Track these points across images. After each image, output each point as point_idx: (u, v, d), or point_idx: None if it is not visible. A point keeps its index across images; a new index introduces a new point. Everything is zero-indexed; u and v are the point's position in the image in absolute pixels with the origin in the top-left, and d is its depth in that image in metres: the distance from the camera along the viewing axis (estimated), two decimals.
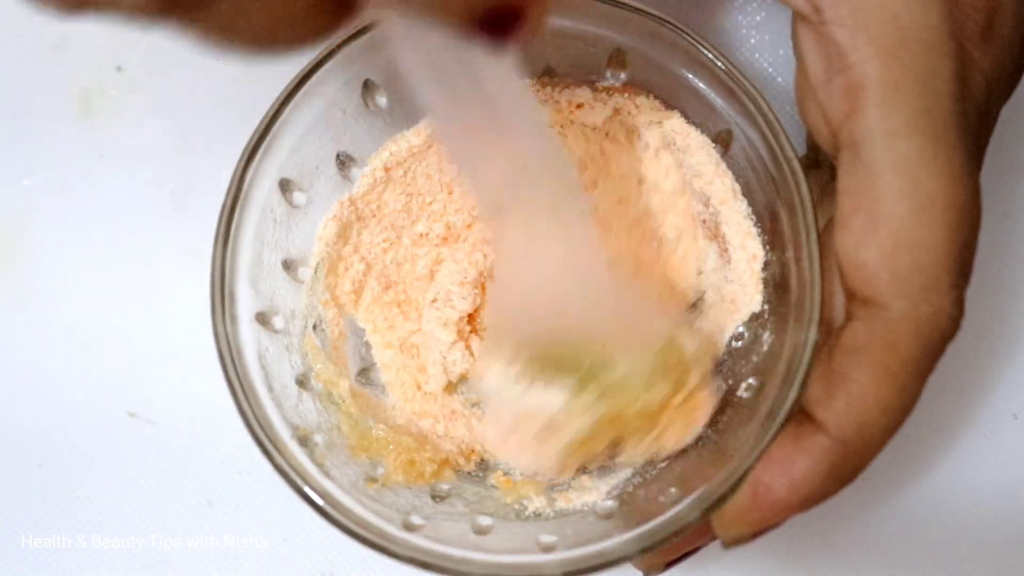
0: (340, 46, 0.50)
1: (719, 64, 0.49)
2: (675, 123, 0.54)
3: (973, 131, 0.44)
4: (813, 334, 0.45)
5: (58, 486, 0.65)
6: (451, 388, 0.58)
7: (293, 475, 0.47)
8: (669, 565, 0.53)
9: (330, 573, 0.63)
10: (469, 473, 0.55)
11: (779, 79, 0.64)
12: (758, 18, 0.65)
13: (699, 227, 0.55)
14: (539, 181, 0.43)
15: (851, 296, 0.44)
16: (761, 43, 0.65)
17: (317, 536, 0.63)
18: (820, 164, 0.56)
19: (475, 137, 0.41)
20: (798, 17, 0.47)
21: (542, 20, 0.32)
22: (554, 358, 0.50)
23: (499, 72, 0.38)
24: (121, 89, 0.67)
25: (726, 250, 0.53)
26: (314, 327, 0.54)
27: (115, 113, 0.67)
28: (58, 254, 0.66)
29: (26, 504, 0.65)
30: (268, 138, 0.50)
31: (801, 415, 0.45)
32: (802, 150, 0.58)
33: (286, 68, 0.49)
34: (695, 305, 0.56)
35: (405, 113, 0.55)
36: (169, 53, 0.66)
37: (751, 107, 0.49)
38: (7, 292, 0.66)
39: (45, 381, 0.65)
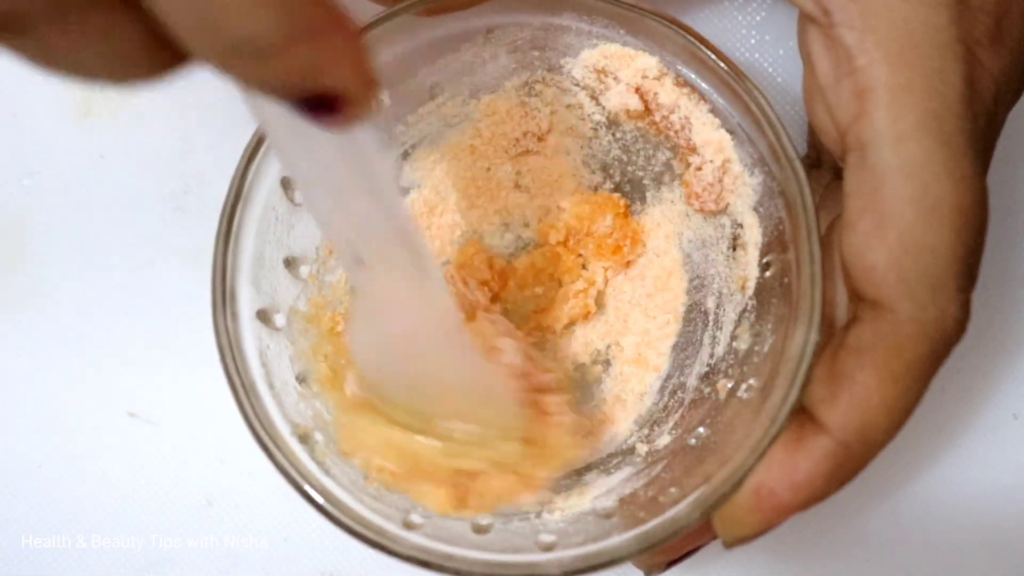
0: None
1: (721, 64, 0.49)
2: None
3: (981, 134, 0.44)
4: (814, 335, 0.45)
5: (58, 486, 0.65)
6: None
7: (293, 473, 0.47)
8: (670, 565, 0.53)
9: (330, 573, 0.63)
10: None
11: (779, 79, 0.64)
12: (758, 18, 0.65)
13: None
14: (391, 243, 0.42)
15: (857, 298, 0.44)
16: (761, 43, 0.65)
17: (317, 536, 0.63)
18: (821, 164, 0.56)
19: (328, 188, 0.40)
20: (806, 19, 0.47)
21: (369, 103, 0.31)
22: (407, 407, 0.49)
23: (348, 140, 0.36)
24: (121, 89, 0.67)
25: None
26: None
27: (115, 113, 0.67)
28: (58, 254, 0.66)
29: (26, 504, 0.65)
30: None
31: (803, 416, 0.45)
32: (803, 149, 0.58)
33: None
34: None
35: (406, 111, 0.55)
36: None
37: (753, 108, 0.49)
38: (7, 292, 0.66)
39: (45, 381, 0.65)
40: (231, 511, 0.64)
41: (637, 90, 0.53)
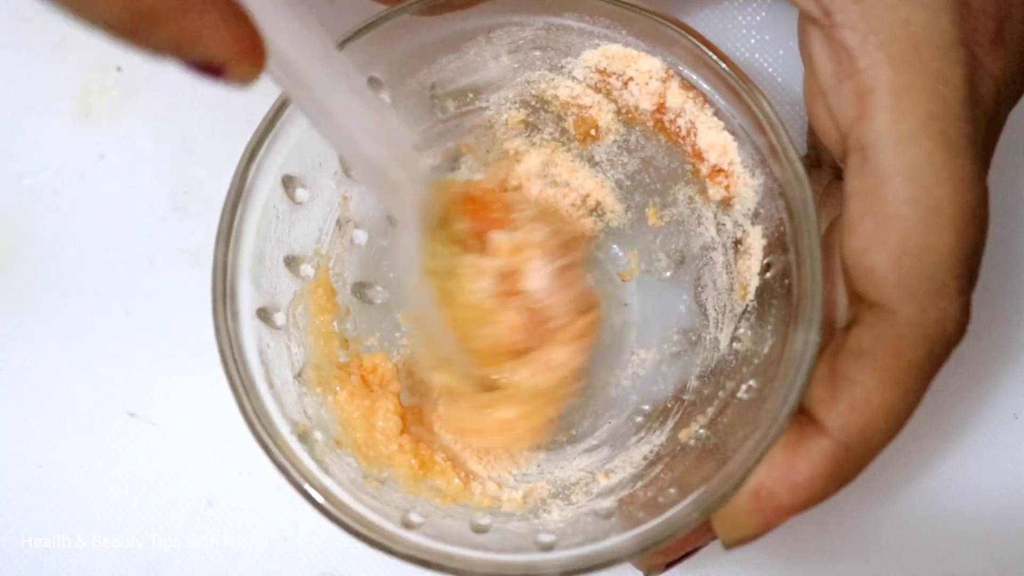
0: (342, 44, 0.50)
1: (722, 65, 0.49)
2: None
3: (982, 136, 0.44)
4: (814, 336, 0.45)
5: (58, 486, 0.65)
6: None
7: (292, 472, 0.47)
8: (669, 565, 0.53)
9: (330, 573, 0.63)
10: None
11: (779, 79, 0.64)
12: (758, 18, 0.65)
13: None
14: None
15: (857, 299, 0.44)
16: (761, 43, 0.65)
17: (317, 536, 0.63)
18: (822, 164, 0.56)
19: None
20: (807, 20, 0.47)
21: (248, 68, 0.35)
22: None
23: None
24: (121, 89, 0.67)
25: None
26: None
27: (115, 113, 0.67)
28: (58, 254, 0.66)
29: (26, 504, 0.65)
30: (271, 134, 0.50)
31: (803, 417, 0.45)
32: (803, 150, 0.58)
33: None
34: None
35: (406, 111, 0.56)
36: None
37: (754, 108, 0.49)
38: (7, 292, 0.66)
39: (45, 381, 0.66)
40: (231, 511, 0.64)
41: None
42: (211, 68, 0.35)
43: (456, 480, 0.54)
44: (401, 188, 0.47)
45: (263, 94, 0.49)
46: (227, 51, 0.34)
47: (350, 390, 0.54)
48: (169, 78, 0.66)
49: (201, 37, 0.33)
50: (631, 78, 0.53)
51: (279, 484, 0.47)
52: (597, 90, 0.55)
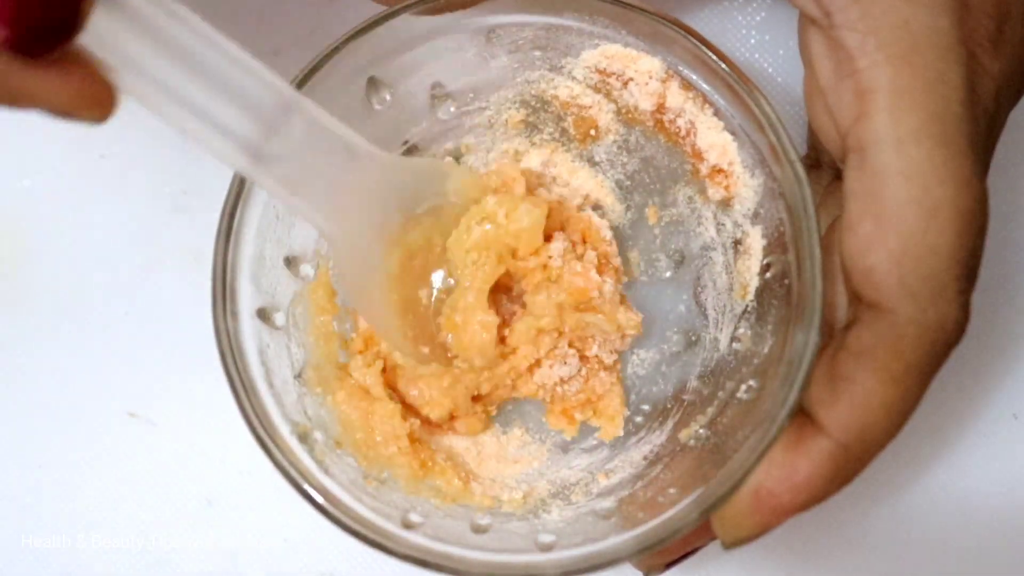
0: (344, 43, 0.50)
1: (722, 65, 0.49)
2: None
3: (982, 136, 0.44)
4: (814, 336, 0.45)
5: (58, 486, 0.65)
6: None
7: (292, 472, 0.47)
8: (669, 565, 0.53)
9: (330, 573, 0.63)
10: None
11: (779, 79, 0.64)
12: (758, 18, 0.65)
13: None
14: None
15: (857, 299, 0.44)
16: (761, 43, 0.65)
17: (317, 536, 0.63)
18: (821, 164, 0.56)
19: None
20: (806, 20, 0.47)
21: (97, 119, 0.38)
22: None
23: None
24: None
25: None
26: None
27: (115, 113, 0.67)
28: (58, 254, 0.66)
29: (26, 504, 0.65)
30: None
31: (802, 417, 0.45)
32: (803, 150, 0.58)
33: (288, 66, 0.49)
34: None
35: (407, 111, 0.56)
36: None
37: (754, 108, 0.49)
38: (7, 292, 0.66)
39: (45, 381, 0.65)
40: (231, 511, 0.64)
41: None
42: (59, 114, 0.37)
43: (456, 480, 0.54)
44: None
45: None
46: (63, 105, 0.36)
47: (349, 390, 0.54)
48: None
49: (32, 98, 0.35)
50: (631, 78, 0.53)
51: (279, 484, 0.47)
52: (597, 90, 0.55)
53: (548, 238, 0.56)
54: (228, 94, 0.41)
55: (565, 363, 0.57)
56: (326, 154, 0.46)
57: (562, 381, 0.57)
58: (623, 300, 0.58)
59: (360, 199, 0.48)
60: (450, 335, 0.54)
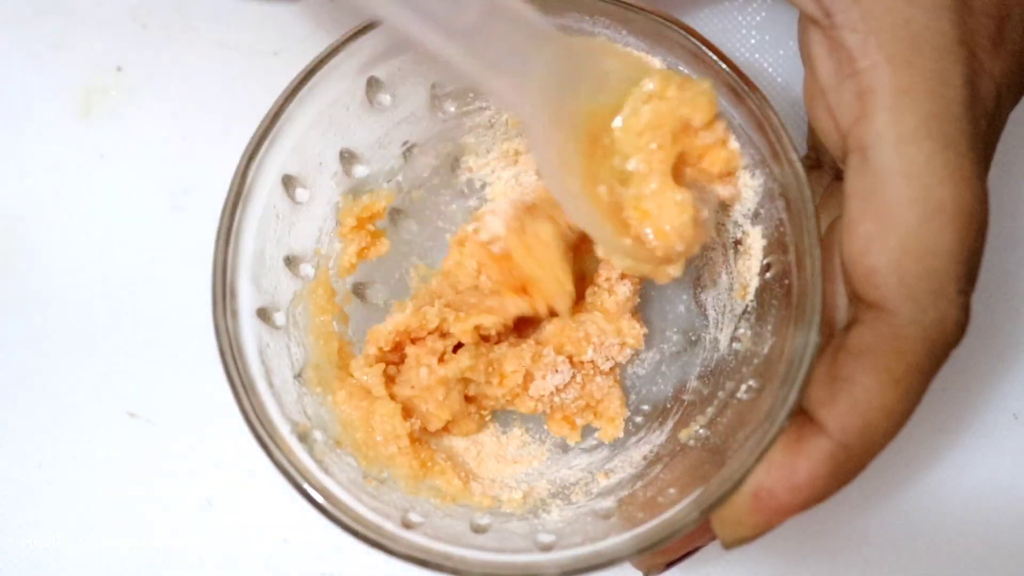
0: (344, 43, 0.50)
1: (723, 65, 0.49)
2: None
3: (982, 137, 0.44)
4: (814, 336, 0.45)
5: (58, 486, 0.65)
6: None
7: (292, 471, 0.47)
8: (669, 565, 0.53)
9: (330, 573, 0.63)
10: None
11: (779, 79, 0.64)
12: (758, 18, 0.65)
13: None
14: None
15: (857, 299, 0.44)
16: (761, 43, 0.65)
17: (317, 536, 0.63)
18: (822, 165, 0.56)
19: None
20: (807, 20, 0.47)
21: None
22: None
23: None
24: (121, 89, 0.67)
25: None
26: None
27: (115, 113, 0.67)
28: (58, 254, 0.66)
29: (26, 504, 0.65)
30: (271, 134, 0.50)
31: (802, 417, 0.45)
32: (803, 150, 0.58)
33: (288, 66, 0.49)
34: None
35: (407, 111, 0.56)
36: (169, 53, 0.67)
37: (755, 109, 0.49)
38: (7, 292, 0.66)
39: (45, 381, 0.65)
40: (231, 511, 0.64)
41: None
42: None
43: (456, 480, 0.54)
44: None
45: (264, 93, 0.50)
46: None
47: (350, 390, 0.54)
48: (169, 78, 0.67)
49: None
50: None
51: (279, 484, 0.47)
52: None
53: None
54: None
55: (557, 371, 0.57)
56: (512, 30, 0.43)
57: (558, 390, 0.57)
58: (635, 312, 0.58)
59: (545, 77, 0.45)
60: (648, 228, 0.49)
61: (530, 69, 0.44)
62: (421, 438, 0.56)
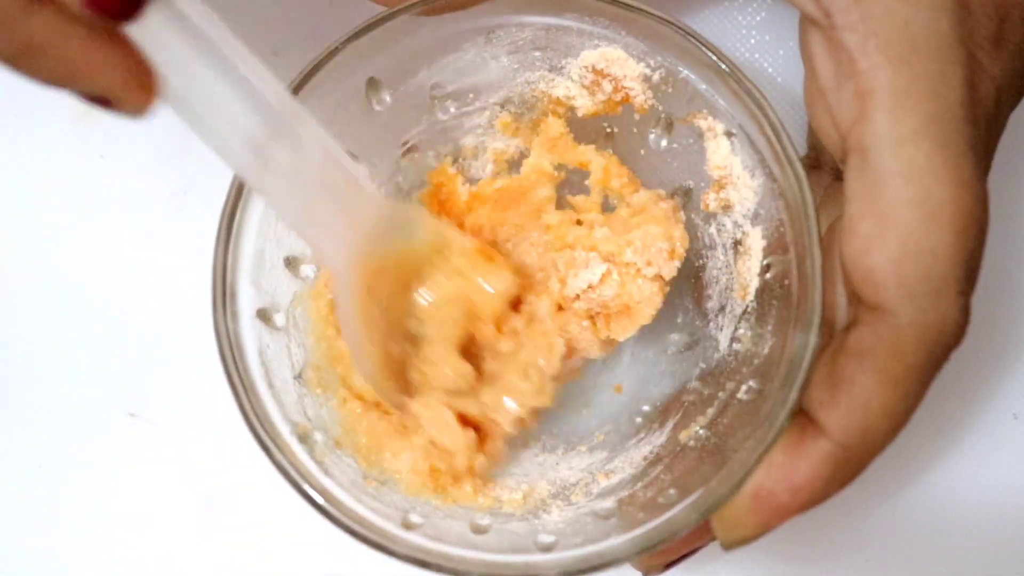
0: (344, 43, 0.50)
1: (722, 66, 0.49)
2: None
3: (982, 138, 0.44)
4: (814, 337, 0.45)
5: (58, 486, 0.65)
6: None
7: (292, 472, 0.47)
8: (669, 566, 0.53)
9: (330, 573, 0.63)
10: None
11: (779, 79, 0.64)
12: (758, 18, 0.65)
13: None
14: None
15: (857, 300, 0.44)
16: (761, 43, 0.65)
17: (317, 536, 0.62)
18: (822, 165, 0.56)
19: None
20: (806, 21, 0.47)
21: (135, 102, 0.38)
22: None
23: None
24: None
25: None
26: None
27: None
28: (58, 254, 0.66)
29: (26, 504, 0.65)
30: None
31: (802, 418, 0.45)
32: (803, 150, 0.58)
33: (288, 66, 0.49)
34: None
35: (407, 111, 0.56)
36: None
37: (754, 108, 0.48)
38: (7, 292, 0.66)
39: (45, 381, 0.66)
40: (231, 511, 0.64)
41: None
42: (99, 100, 0.37)
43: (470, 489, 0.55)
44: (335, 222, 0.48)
45: None
46: (111, 86, 0.36)
47: (362, 403, 0.54)
48: None
49: (83, 71, 0.35)
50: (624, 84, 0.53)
51: (279, 484, 0.47)
52: (592, 91, 0.55)
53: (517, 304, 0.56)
54: (246, 96, 0.41)
55: (588, 267, 0.56)
56: (325, 173, 0.46)
57: (592, 287, 0.56)
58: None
59: (351, 226, 0.48)
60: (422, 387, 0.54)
61: (347, 223, 0.48)
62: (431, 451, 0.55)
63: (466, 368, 0.53)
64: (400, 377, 0.53)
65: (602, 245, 0.55)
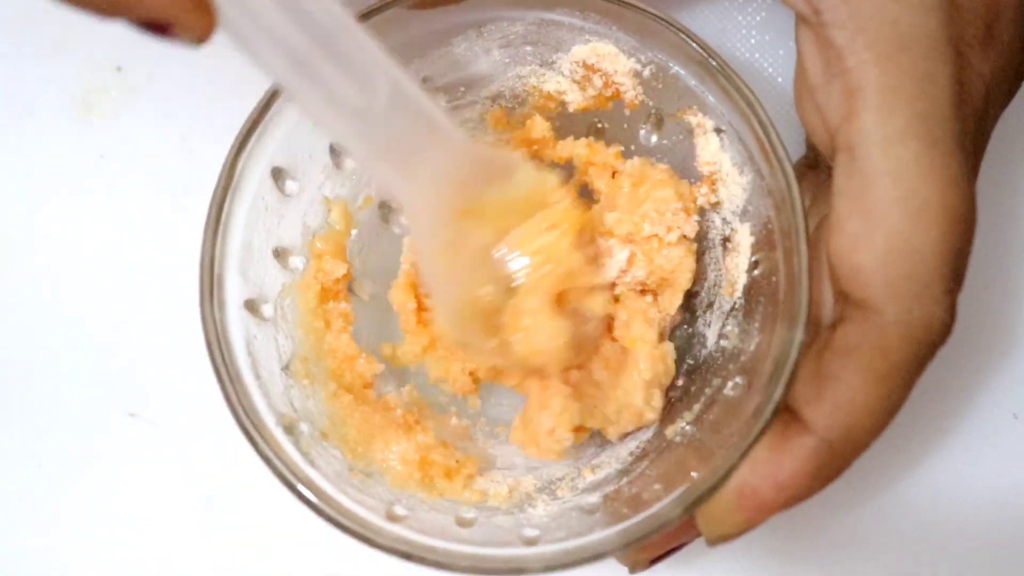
0: None
1: (712, 62, 0.49)
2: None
3: (971, 137, 0.44)
4: (800, 334, 0.45)
5: (58, 486, 0.65)
6: None
7: (277, 463, 0.47)
8: (654, 561, 0.53)
9: (330, 573, 0.63)
10: None
11: (779, 79, 0.64)
12: (758, 18, 0.65)
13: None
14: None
15: (843, 298, 0.44)
16: (761, 43, 0.65)
17: (317, 536, 0.63)
18: (819, 165, 0.56)
19: None
20: (799, 19, 0.47)
21: (193, 25, 0.36)
22: None
23: None
24: (121, 89, 0.67)
25: None
26: None
27: (115, 113, 0.67)
28: (58, 254, 0.67)
29: (26, 504, 0.65)
30: (261, 126, 0.50)
31: (787, 415, 0.45)
32: (802, 150, 0.58)
33: None
34: None
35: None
36: (169, 53, 0.67)
37: (743, 105, 0.48)
38: (7, 291, 0.67)
39: (45, 381, 0.66)
40: (231, 511, 0.64)
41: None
42: (158, 26, 0.35)
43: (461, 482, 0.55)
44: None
45: (262, 92, 0.50)
46: (170, 8, 0.35)
47: (352, 396, 0.54)
48: (169, 78, 0.67)
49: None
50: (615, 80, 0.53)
51: (279, 484, 0.47)
52: (583, 86, 0.55)
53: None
54: (326, 48, 0.41)
55: (613, 255, 0.55)
56: (412, 122, 0.45)
57: (623, 272, 0.55)
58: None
59: (437, 173, 0.47)
60: (517, 335, 0.51)
61: (420, 163, 0.47)
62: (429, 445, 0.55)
63: (561, 324, 0.51)
64: (487, 321, 0.52)
65: (618, 228, 0.55)
